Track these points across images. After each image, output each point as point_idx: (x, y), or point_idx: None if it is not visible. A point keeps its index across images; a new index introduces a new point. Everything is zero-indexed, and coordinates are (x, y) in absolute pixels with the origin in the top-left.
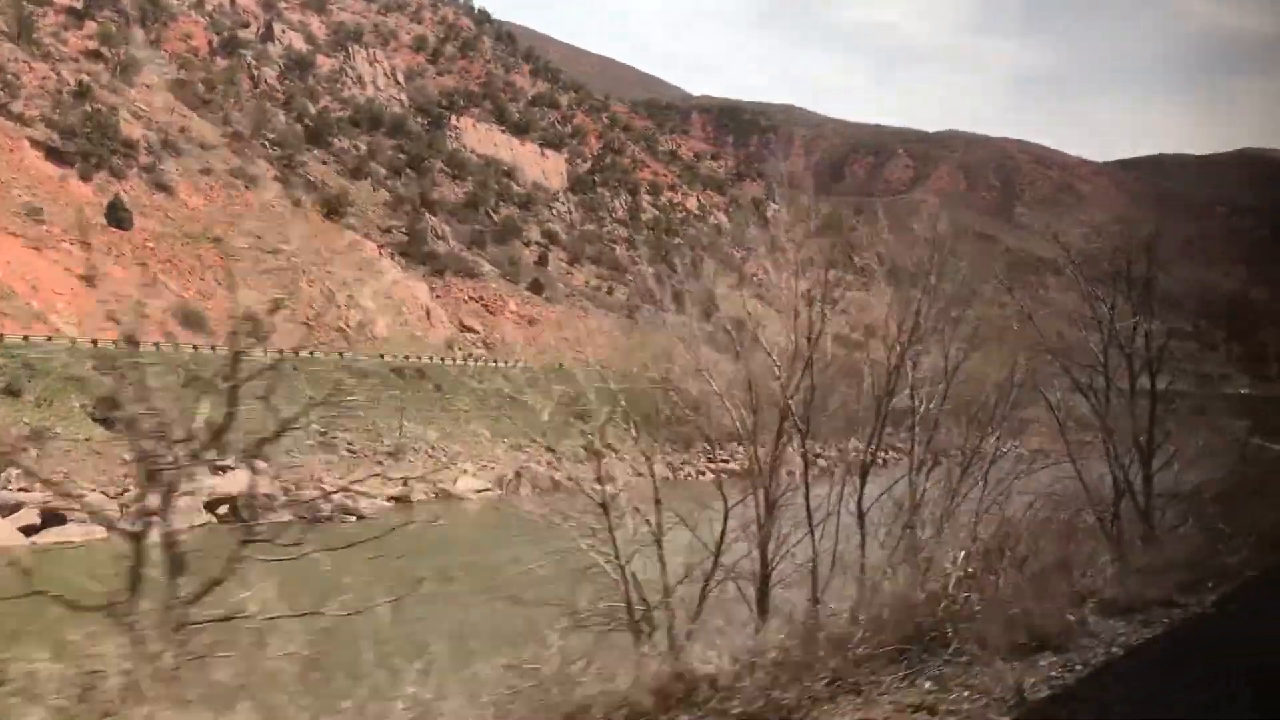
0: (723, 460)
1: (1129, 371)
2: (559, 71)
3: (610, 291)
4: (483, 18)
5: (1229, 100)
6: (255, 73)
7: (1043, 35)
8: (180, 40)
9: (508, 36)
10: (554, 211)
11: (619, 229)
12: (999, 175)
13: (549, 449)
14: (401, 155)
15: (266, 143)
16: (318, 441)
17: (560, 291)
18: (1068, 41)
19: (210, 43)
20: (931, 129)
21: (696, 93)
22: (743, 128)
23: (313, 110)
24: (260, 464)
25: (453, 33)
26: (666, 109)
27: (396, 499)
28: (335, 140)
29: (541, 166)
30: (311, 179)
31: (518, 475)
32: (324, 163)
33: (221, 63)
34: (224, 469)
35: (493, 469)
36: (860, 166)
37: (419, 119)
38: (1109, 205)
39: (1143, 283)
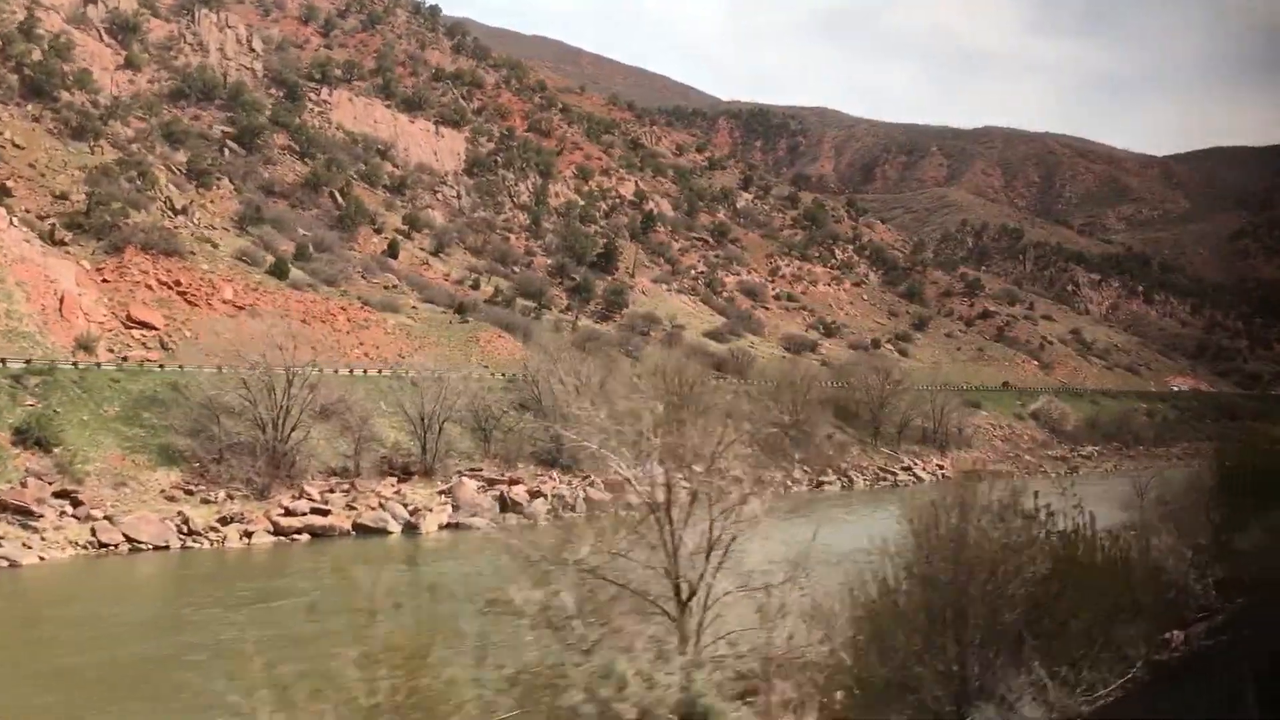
0: (316, 511)
1: None
2: (488, 50)
3: (476, 285)
4: None
5: None
6: None
7: (1101, 34)
8: None
9: (429, 11)
10: (439, 196)
11: (520, 215)
12: (1039, 170)
13: None
14: (229, 127)
15: None
16: None
17: (359, 281)
18: (1126, 39)
19: None
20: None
21: (737, 99)
22: (772, 131)
23: (37, 58)
24: None
25: (356, 5)
26: (693, 114)
27: None
28: (65, 95)
29: (434, 146)
30: None
31: None
32: (36, 119)
33: None
34: None
35: None
36: (893, 166)
37: (275, 91)
38: (1157, 198)
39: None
